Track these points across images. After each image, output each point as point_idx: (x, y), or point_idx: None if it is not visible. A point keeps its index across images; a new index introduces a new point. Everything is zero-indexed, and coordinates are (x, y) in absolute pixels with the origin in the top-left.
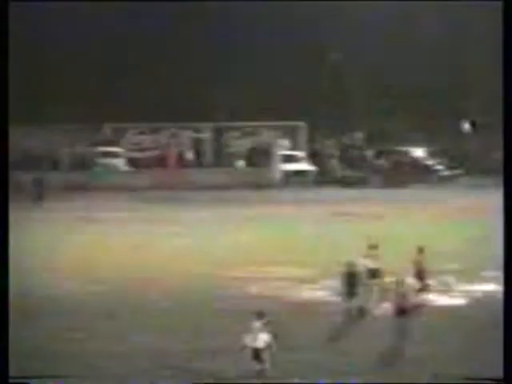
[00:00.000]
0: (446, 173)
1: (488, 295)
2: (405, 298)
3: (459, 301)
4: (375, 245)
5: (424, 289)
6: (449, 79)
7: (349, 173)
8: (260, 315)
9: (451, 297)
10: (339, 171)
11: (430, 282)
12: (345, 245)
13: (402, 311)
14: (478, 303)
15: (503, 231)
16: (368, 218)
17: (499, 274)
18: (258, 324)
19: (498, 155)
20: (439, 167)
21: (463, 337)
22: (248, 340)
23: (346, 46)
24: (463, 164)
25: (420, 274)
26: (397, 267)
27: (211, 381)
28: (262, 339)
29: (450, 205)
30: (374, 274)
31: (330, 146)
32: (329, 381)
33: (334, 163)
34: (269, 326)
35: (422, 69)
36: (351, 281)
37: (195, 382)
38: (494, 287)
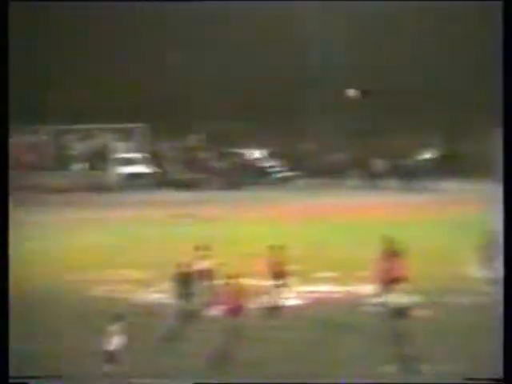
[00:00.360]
0: (284, 174)
1: (322, 295)
2: (239, 299)
3: (295, 301)
4: (208, 245)
5: (277, 288)
6: (285, 80)
7: (189, 175)
8: (116, 318)
9: (288, 298)
10: (179, 173)
11: (283, 281)
12: (183, 246)
13: (235, 311)
14: (314, 303)
15: (503, 233)
16: (207, 219)
17: (333, 274)
18: (113, 327)
19: (332, 157)
20: (277, 169)
21: (298, 337)
22: (103, 342)
23: (187, 46)
24: (299, 165)
25: (275, 274)
26: (234, 267)
27: (213, 381)
28: (116, 342)
29: (287, 206)
30: (207, 274)
31: (170, 148)
32: (328, 381)
33: (175, 165)
34: (124, 329)
35: (262, 69)
36: (186, 282)
37: (198, 383)
38: (328, 288)
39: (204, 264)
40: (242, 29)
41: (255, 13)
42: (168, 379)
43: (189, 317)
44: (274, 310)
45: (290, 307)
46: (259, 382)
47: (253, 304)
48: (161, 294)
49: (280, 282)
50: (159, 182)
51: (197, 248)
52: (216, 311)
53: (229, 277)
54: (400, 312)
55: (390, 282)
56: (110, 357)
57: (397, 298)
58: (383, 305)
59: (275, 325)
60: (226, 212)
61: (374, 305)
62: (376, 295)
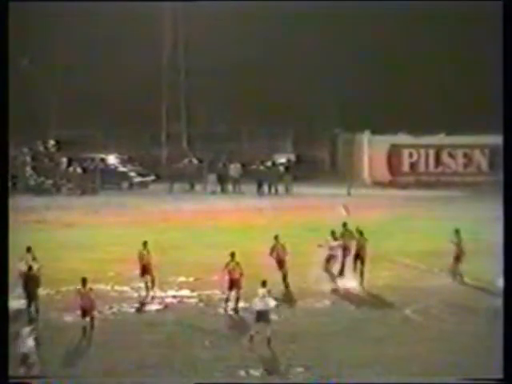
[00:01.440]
0: (141, 179)
1: (180, 300)
2: (90, 303)
3: (153, 306)
4: (29, 247)
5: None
6: (141, 83)
7: (42, 180)
8: (28, 321)
9: (148, 302)
10: (32, 179)
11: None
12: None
13: (87, 315)
14: (171, 308)
15: (503, 235)
16: (61, 225)
17: (191, 279)
18: (25, 329)
19: (189, 162)
20: (134, 173)
21: (155, 340)
22: (16, 345)
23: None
24: (157, 170)
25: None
26: (88, 272)
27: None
28: (29, 344)
29: (144, 211)
30: (33, 278)
31: (23, 154)
32: (330, 381)
33: (28, 171)
34: (34, 332)
35: (116, 72)
36: (27, 285)
37: (197, 382)
38: (185, 292)
39: (31, 267)
40: (97, 29)
41: (116, 13)
42: (168, 379)
43: (33, 320)
44: (135, 314)
45: (148, 312)
46: (259, 382)
47: (107, 308)
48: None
49: (147, 280)
50: (13, 187)
51: (28, 250)
52: (69, 316)
53: (81, 282)
54: (261, 315)
55: (234, 286)
56: (25, 359)
57: (258, 301)
58: (240, 309)
59: (130, 329)
60: (79, 217)
61: (231, 308)
62: (231, 299)
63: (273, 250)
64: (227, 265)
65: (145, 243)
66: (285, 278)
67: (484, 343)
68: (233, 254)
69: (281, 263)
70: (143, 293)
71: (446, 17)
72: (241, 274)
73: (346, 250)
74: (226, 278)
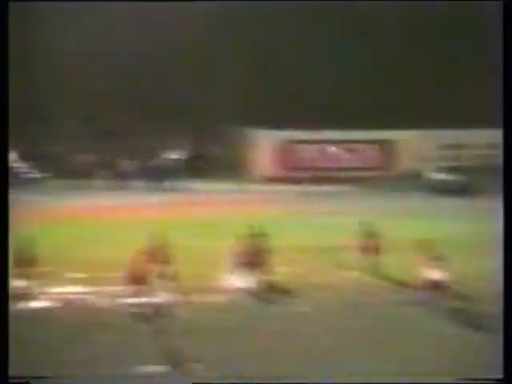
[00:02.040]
0: (32, 176)
1: (75, 297)
2: None
3: (43, 303)
4: None
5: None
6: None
7: None
8: None
9: (35, 300)
10: None
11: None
12: None
13: None
14: (66, 305)
15: (503, 233)
16: None
17: (86, 275)
18: None
19: (80, 158)
20: (25, 170)
21: (49, 337)
22: None
23: None
24: (48, 166)
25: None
26: None
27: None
28: None
29: (34, 208)
30: None
31: None
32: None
33: None
34: None
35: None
36: None
37: (195, 382)
38: (80, 289)
39: None
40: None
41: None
42: (167, 379)
43: None
44: (27, 310)
45: (38, 310)
46: (262, 382)
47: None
48: None
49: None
50: None
51: None
52: None
53: None
54: (160, 309)
55: (136, 281)
56: None
57: (157, 295)
58: (139, 305)
59: (23, 326)
60: None
61: (130, 305)
62: (131, 295)
63: (150, 245)
64: (131, 260)
65: (21, 235)
66: (171, 273)
67: (379, 338)
68: (137, 250)
69: (164, 258)
70: (34, 289)
71: (446, 17)
72: (143, 270)
73: (253, 249)
74: (127, 273)
